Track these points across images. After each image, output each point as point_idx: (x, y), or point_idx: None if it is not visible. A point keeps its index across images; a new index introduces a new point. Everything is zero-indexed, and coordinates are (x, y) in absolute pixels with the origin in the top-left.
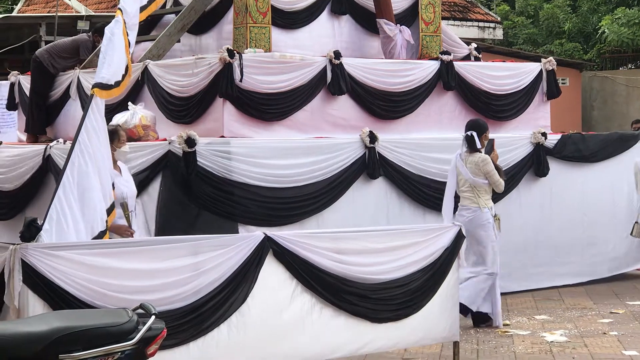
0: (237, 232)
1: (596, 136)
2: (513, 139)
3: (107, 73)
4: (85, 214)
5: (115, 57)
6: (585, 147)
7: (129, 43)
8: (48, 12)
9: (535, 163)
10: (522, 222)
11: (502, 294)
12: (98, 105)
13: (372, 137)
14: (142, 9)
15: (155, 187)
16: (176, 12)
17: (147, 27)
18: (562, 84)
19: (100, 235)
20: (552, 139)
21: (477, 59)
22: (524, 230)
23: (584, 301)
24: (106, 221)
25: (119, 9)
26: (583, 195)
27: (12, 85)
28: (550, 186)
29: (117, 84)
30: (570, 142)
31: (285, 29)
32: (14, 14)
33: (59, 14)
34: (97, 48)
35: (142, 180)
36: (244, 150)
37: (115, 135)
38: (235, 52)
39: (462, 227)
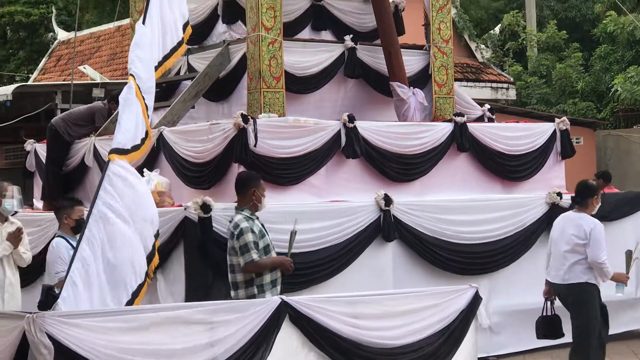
0: None
1: (612, 195)
2: (528, 200)
3: (122, 138)
4: (110, 279)
5: (131, 121)
6: (601, 207)
7: (147, 107)
8: (63, 80)
9: (551, 223)
10: (538, 282)
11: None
12: (118, 169)
13: (387, 200)
14: (156, 69)
15: (175, 256)
16: (191, 79)
17: (164, 93)
18: (576, 143)
19: (134, 295)
20: (568, 199)
21: (490, 119)
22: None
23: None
24: (146, 272)
25: (131, 74)
26: None
27: (28, 153)
28: None
29: (136, 147)
30: None
31: (299, 94)
32: (30, 82)
33: (74, 82)
34: (113, 115)
35: (160, 252)
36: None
37: None
38: (249, 117)
39: (478, 289)
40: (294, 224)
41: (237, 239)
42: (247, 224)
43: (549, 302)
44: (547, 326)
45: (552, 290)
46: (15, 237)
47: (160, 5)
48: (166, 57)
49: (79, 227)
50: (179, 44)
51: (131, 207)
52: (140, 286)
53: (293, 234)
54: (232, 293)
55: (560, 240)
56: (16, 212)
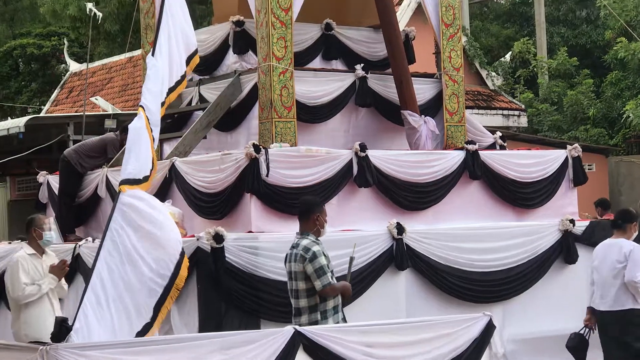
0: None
1: None
2: (541, 227)
3: (133, 168)
4: (122, 309)
5: (142, 152)
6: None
7: (153, 139)
8: (75, 112)
9: (565, 250)
10: (552, 309)
11: None
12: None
13: (400, 229)
14: (162, 104)
15: (188, 286)
16: (202, 109)
17: (175, 124)
18: (588, 169)
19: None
20: (581, 226)
21: (502, 147)
22: (554, 317)
23: None
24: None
25: (141, 106)
26: None
27: (40, 185)
28: (580, 273)
29: (146, 178)
30: (599, 228)
31: (311, 123)
32: (42, 114)
33: (86, 113)
34: (124, 146)
35: None
36: (271, 245)
37: None
38: (261, 147)
39: (492, 317)
40: (353, 248)
41: (310, 262)
42: (319, 247)
43: (587, 329)
44: (580, 343)
45: (595, 319)
46: (60, 270)
47: (168, 38)
48: (170, 91)
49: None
50: (182, 77)
51: (145, 237)
52: (153, 319)
53: (352, 259)
54: (294, 319)
55: (603, 267)
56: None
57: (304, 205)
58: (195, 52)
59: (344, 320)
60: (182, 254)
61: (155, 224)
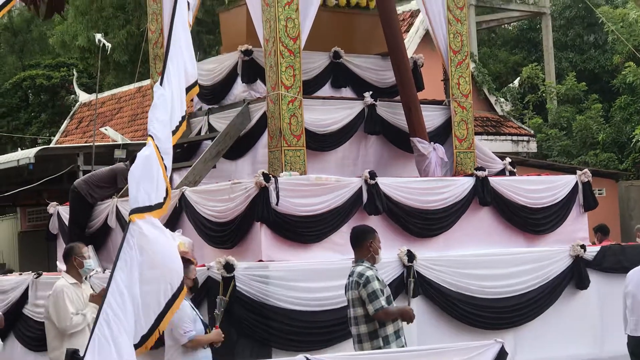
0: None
1: (636, 247)
2: (552, 253)
3: (144, 197)
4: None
5: (153, 180)
6: (625, 258)
7: (166, 167)
8: (85, 142)
9: (576, 276)
10: (564, 335)
11: None
12: (140, 228)
13: (410, 256)
14: (172, 133)
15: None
16: (211, 139)
17: (185, 154)
18: (598, 194)
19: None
20: (592, 251)
21: (512, 173)
22: (566, 343)
23: None
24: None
25: (150, 135)
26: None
27: (51, 216)
28: (592, 298)
29: (158, 205)
30: (610, 253)
31: (320, 151)
32: (52, 145)
33: (96, 143)
34: None
35: None
36: (281, 274)
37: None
38: (270, 175)
39: (503, 344)
40: (412, 273)
41: (363, 287)
42: (372, 272)
43: None
44: None
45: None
46: (101, 298)
47: (177, 67)
48: (175, 130)
49: (196, 287)
50: (183, 118)
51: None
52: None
53: (410, 282)
54: (356, 347)
55: (638, 292)
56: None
57: (357, 233)
58: (195, 83)
59: (405, 345)
60: (180, 288)
61: (160, 250)
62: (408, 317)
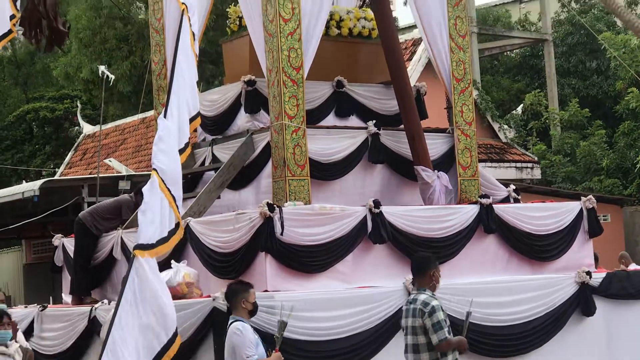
0: None
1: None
2: (557, 280)
3: (147, 232)
4: None
5: (155, 216)
6: (630, 285)
7: (174, 197)
8: (89, 174)
9: (582, 303)
10: None
11: None
12: (145, 265)
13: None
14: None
15: (205, 347)
16: (215, 169)
17: (189, 184)
18: (603, 220)
19: None
20: (597, 277)
21: (516, 200)
22: None
23: None
24: None
25: (154, 169)
26: (632, 333)
27: (56, 248)
28: (598, 325)
29: (162, 241)
30: (616, 279)
31: (324, 180)
32: (57, 177)
33: (100, 175)
34: (139, 208)
35: (190, 343)
36: (286, 304)
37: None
38: (275, 205)
39: None
40: (470, 304)
41: (429, 317)
42: (437, 302)
43: None
44: None
45: None
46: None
47: (180, 99)
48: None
49: (255, 311)
50: (187, 144)
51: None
52: None
53: (469, 314)
54: None
55: None
56: None
57: (420, 261)
58: (197, 114)
59: None
60: (175, 334)
61: (154, 295)
62: (463, 348)
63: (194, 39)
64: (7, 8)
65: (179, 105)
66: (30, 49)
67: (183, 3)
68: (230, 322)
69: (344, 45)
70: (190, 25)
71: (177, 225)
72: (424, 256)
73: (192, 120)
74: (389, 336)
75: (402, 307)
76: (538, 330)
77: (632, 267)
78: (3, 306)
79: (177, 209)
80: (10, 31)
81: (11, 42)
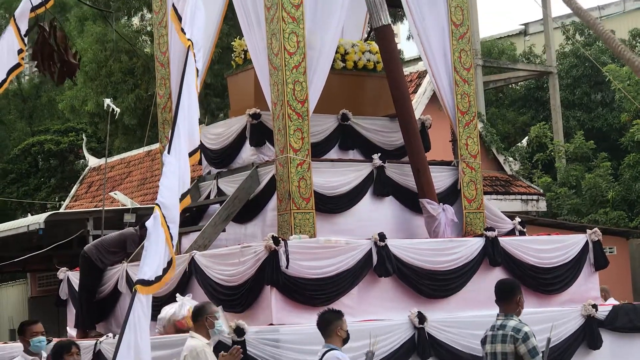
0: None
1: None
2: (563, 313)
3: (148, 269)
4: None
5: (156, 252)
6: (637, 318)
7: (171, 236)
8: (95, 207)
9: (588, 336)
10: None
11: None
12: (142, 302)
13: (421, 318)
14: (180, 199)
15: None
16: (220, 202)
17: (194, 217)
18: (609, 252)
19: None
20: (604, 311)
21: (521, 233)
22: None
23: None
24: None
25: (157, 204)
26: None
27: (61, 281)
28: (604, 359)
29: (158, 279)
30: (622, 312)
31: (329, 214)
32: (62, 210)
33: (105, 208)
34: (143, 242)
35: None
36: (292, 338)
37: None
38: (280, 239)
39: None
40: (551, 330)
41: (523, 342)
42: (529, 327)
43: None
44: None
45: None
46: (235, 358)
47: (183, 134)
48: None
49: (348, 339)
50: (188, 190)
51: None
52: None
53: (549, 340)
54: None
55: None
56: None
57: (507, 287)
58: (197, 149)
59: None
60: None
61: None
62: None
63: (197, 75)
64: (15, 43)
65: (182, 141)
66: (35, 82)
67: (189, 39)
68: (324, 351)
69: (348, 78)
70: (195, 61)
71: (170, 262)
72: (510, 282)
73: (192, 153)
74: None
75: (406, 340)
76: None
77: (611, 301)
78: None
79: (173, 247)
80: (18, 64)
81: (17, 75)
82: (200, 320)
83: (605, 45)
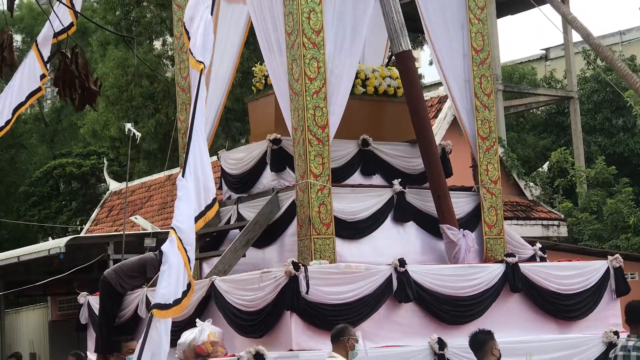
0: None
1: None
2: (584, 339)
3: (165, 292)
4: None
5: (173, 275)
6: None
7: (189, 259)
8: (115, 231)
9: None
10: None
11: None
12: (158, 326)
13: (441, 344)
14: (197, 219)
15: None
16: (240, 227)
17: (214, 243)
18: (631, 278)
19: None
20: (625, 337)
21: (542, 259)
22: None
23: None
24: None
25: (172, 227)
26: None
27: (81, 305)
28: None
29: (177, 302)
30: None
31: (349, 239)
32: (83, 234)
33: (126, 232)
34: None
35: None
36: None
37: None
38: (300, 264)
39: None
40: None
41: None
42: None
43: None
44: None
45: None
46: None
47: (194, 160)
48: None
49: (500, 358)
50: (208, 207)
51: None
52: None
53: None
54: None
55: None
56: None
57: (637, 309)
58: (214, 201)
59: None
60: None
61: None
62: None
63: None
64: (37, 68)
65: (195, 164)
66: (57, 106)
67: (200, 62)
68: None
69: (369, 103)
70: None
71: (189, 286)
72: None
73: (209, 207)
74: None
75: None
76: None
77: None
78: None
79: (191, 270)
80: (39, 89)
81: (38, 100)
82: (341, 341)
83: (626, 84)
